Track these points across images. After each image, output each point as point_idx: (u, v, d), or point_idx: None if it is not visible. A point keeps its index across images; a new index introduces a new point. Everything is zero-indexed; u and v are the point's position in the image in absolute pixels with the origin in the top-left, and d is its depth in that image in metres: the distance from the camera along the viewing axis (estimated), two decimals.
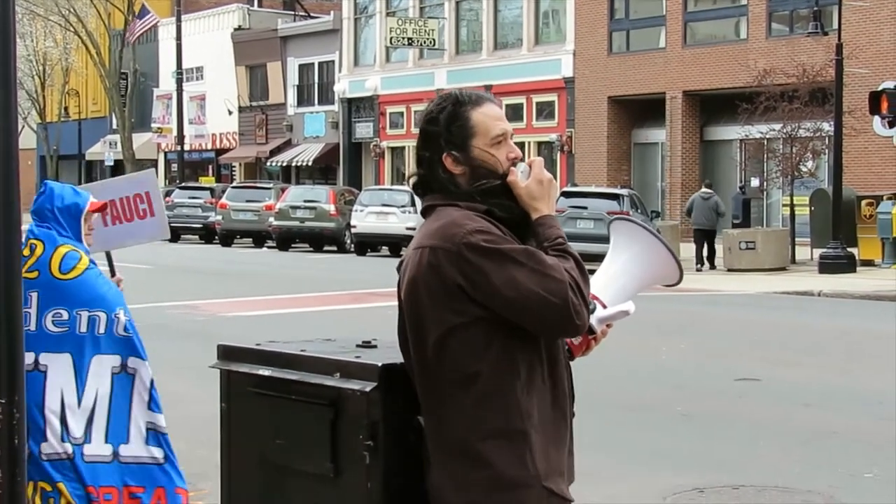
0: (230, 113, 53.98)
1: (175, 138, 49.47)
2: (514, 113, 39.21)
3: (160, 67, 56.94)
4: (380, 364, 3.55)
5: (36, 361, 4.95)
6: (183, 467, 5.49)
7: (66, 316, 5.10)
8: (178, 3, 48.57)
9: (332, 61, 49.91)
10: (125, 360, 5.21)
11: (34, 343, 4.88)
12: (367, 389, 3.52)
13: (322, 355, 3.74)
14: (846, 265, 25.40)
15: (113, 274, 5.92)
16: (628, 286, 3.68)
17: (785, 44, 33.75)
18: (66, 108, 62.56)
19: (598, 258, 3.99)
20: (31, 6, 53.81)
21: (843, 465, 8.54)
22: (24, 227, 3.98)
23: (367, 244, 34.06)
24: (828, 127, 27.65)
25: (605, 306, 3.58)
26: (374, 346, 3.84)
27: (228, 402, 4.00)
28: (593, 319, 3.52)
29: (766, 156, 31.34)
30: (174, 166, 52.70)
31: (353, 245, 34.29)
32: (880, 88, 25.97)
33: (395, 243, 32.75)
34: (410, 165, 42.58)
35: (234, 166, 55.70)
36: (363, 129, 48.58)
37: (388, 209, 32.82)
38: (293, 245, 36.09)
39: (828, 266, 25.40)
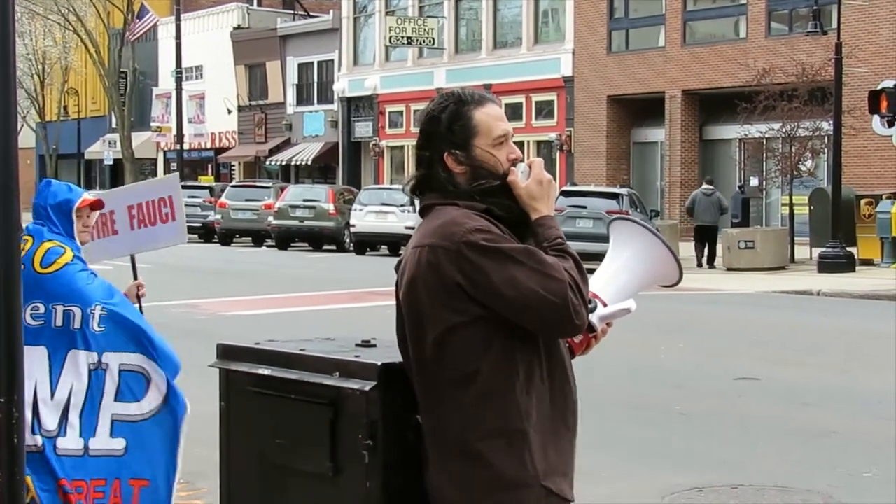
0: (229, 112, 53.97)
1: (174, 137, 49.45)
2: (513, 112, 39.19)
3: (159, 66, 56.92)
4: (379, 363, 3.55)
5: None
6: (182, 466, 5.51)
7: (42, 309, 5.14)
8: (178, 3, 48.53)
9: (332, 60, 49.91)
10: (101, 357, 5.23)
11: None
12: (367, 389, 3.52)
13: (321, 354, 3.74)
14: (845, 264, 25.39)
15: (135, 278, 5.94)
16: (629, 285, 3.68)
17: (784, 43, 33.74)
18: (65, 107, 62.55)
19: (598, 257, 4.00)
20: (30, 5, 53.79)
21: (842, 465, 8.54)
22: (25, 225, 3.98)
23: (367, 243, 34.06)
24: (827, 126, 27.64)
25: (605, 304, 3.59)
26: (374, 346, 3.84)
27: (228, 401, 4.00)
28: (594, 317, 3.52)
29: (765, 155, 31.33)
30: (173, 165, 52.60)
31: (352, 244, 34.29)
32: (879, 87, 25.95)
33: (394, 242, 32.75)
34: (410, 166, 42.62)
35: (234, 165, 55.69)
36: (362, 129, 48.58)
37: (387, 208, 32.82)
38: (292, 244, 36.09)
39: (827, 265, 25.40)
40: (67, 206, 5.35)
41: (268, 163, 51.77)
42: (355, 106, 48.98)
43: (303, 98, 51.68)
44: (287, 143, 51.66)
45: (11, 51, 3.46)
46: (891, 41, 32.04)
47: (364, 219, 33.07)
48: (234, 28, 54.68)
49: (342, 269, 27.41)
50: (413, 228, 28.98)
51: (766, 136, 29.02)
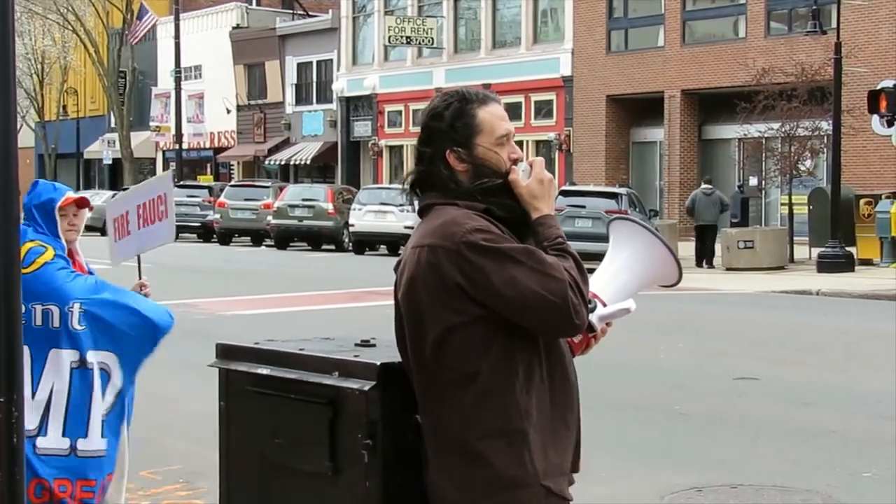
0: (228, 112, 53.96)
1: (173, 137, 49.45)
2: (512, 112, 39.15)
3: (158, 66, 56.91)
4: (378, 363, 3.55)
5: None
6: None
7: (22, 309, 5.14)
8: (177, 2, 48.52)
9: (331, 60, 49.90)
10: (84, 355, 5.23)
11: None
12: (366, 388, 3.52)
13: (321, 354, 3.74)
14: (844, 264, 25.39)
15: (140, 277, 5.95)
16: (629, 284, 3.68)
17: (783, 43, 33.75)
18: (64, 107, 62.52)
19: (597, 257, 3.99)
20: (29, 5, 53.78)
21: (841, 465, 8.54)
22: None
23: (366, 243, 34.06)
24: (826, 126, 27.63)
25: (605, 304, 3.58)
26: (373, 345, 3.84)
27: (227, 400, 3.99)
28: (594, 317, 3.52)
29: (764, 155, 31.33)
30: (172, 165, 52.61)
31: (351, 244, 34.29)
32: (879, 87, 25.96)
33: (393, 242, 32.75)
34: (409, 166, 42.54)
35: (233, 165, 55.68)
36: (361, 128, 48.58)
37: (386, 208, 32.81)
38: (291, 244, 36.09)
39: (826, 265, 25.40)
40: (50, 206, 5.36)
41: (267, 162, 51.77)
42: (354, 105, 48.98)
43: (302, 98, 51.68)
44: (286, 143, 51.66)
45: (11, 50, 3.46)
46: (890, 41, 32.03)
47: (363, 218, 33.07)
48: (233, 28, 54.69)
49: (341, 269, 27.41)
50: (412, 228, 28.99)
51: (766, 135, 29.03)
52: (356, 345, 3.84)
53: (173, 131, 49.32)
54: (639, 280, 3.71)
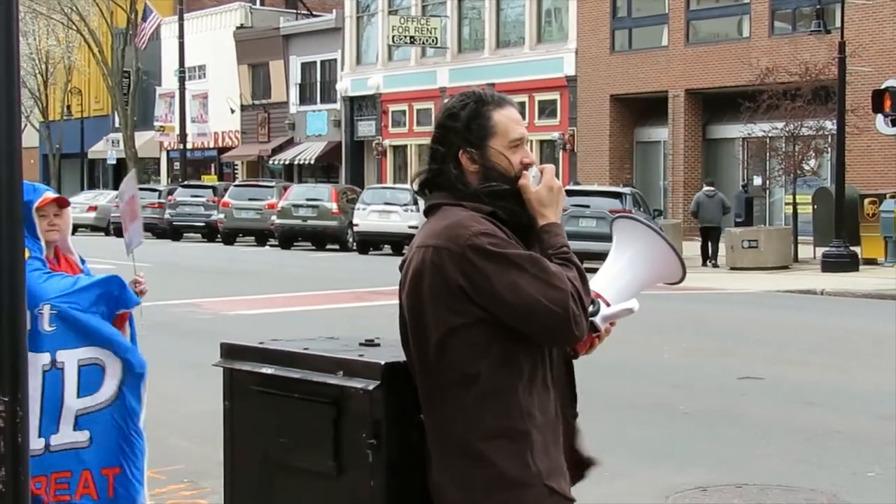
0: (232, 111, 53.98)
1: (177, 137, 49.49)
2: None
3: (163, 66, 56.93)
4: (383, 362, 3.55)
5: None
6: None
7: None
8: (181, 2, 48.57)
9: (335, 60, 49.91)
10: (55, 356, 5.21)
11: None
12: (370, 388, 3.52)
13: (325, 353, 3.74)
14: (849, 264, 25.38)
15: (134, 273, 5.94)
16: (632, 284, 3.67)
17: (787, 42, 33.72)
18: (68, 107, 62.57)
19: (600, 257, 3.99)
20: (33, 5, 53.83)
21: (845, 464, 8.54)
22: None
23: (370, 243, 34.07)
24: (830, 125, 27.62)
25: (608, 304, 3.58)
26: (377, 345, 3.84)
27: (231, 400, 4.00)
28: (597, 317, 3.52)
29: (768, 154, 31.32)
30: (177, 165, 52.66)
31: (355, 243, 34.29)
32: (883, 86, 25.95)
33: (397, 242, 32.75)
34: (413, 166, 42.60)
35: (237, 165, 55.70)
36: (365, 128, 48.58)
37: (390, 207, 32.83)
38: (295, 243, 36.10)
39: (830, 265, 25.39)
40: (27, 207, 5.35)
41: (271, 162, 51.78)
42: (358, 105, 48.98)
43: (306, 97, 51.69)
44: (290, 143, 51.67)
45: (15, 50, 3.46)
46: (894, 40, 32.00)
47: (367, 218, 33.08)
48: (237, 27, 54.70)
49: (345, 269, 27.41)
50: (416, 228, 28.97)
51: (770, 135, 29.01)
52: (360, 344, 3.84)
53: (177, 131, 49.35)
54: (642, 279, 3.71)
